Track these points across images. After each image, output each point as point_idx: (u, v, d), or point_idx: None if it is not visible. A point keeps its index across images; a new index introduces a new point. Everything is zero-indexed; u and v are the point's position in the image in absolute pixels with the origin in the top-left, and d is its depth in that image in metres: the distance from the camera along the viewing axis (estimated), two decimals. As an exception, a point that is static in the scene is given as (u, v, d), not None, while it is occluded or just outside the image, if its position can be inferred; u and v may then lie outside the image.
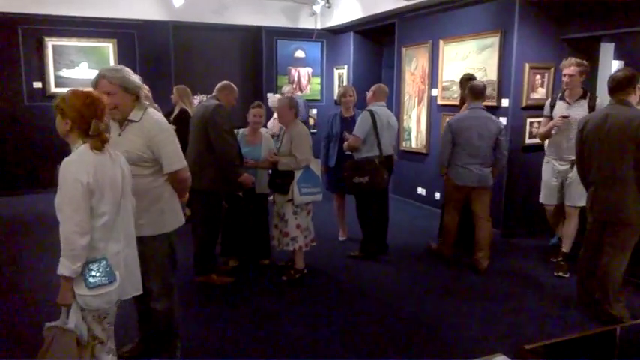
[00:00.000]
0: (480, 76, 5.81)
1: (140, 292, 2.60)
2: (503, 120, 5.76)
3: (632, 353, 1.74)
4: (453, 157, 4.78)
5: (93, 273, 2.23)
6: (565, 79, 4.53)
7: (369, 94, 5.20)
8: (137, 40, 8.22)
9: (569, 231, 4.70)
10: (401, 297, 4.30)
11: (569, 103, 4.59)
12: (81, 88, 2.34)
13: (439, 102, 6.80)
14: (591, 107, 4.45)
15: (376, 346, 3.49)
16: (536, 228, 5.72)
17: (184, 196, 3.06)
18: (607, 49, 6.08)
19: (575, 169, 4.35)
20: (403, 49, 7.53)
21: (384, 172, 4.92)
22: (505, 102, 5.76)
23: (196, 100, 6.50)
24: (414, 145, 7.45)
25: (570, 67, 4.47)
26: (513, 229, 5.88)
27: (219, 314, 3.93)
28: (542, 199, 4.92)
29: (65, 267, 2.16)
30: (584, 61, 4.55)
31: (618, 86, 3.62)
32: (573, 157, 4.34)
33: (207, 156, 4.18)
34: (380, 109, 5.03)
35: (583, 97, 4.56)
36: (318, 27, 9.24)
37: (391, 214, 5.34)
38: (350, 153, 5.08)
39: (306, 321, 3.84)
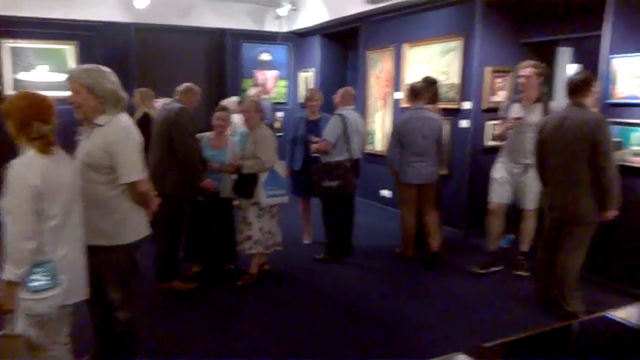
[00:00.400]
0: (443, 79, 5.90)
1: (86, 297, 2.52)
2: (465, 122, 5.87)
3: (587, 347, 1.79)
4: (401, 156, 4.92)
5: (37, 277, 2.17)
6: (521, 80, 4.53)
7: (337, 98, 5.21)
8: (98, 42, 8.02)
9: (526, 231, 4.76)
10: (364, 299, 4.32)
11: (524, 106, 4.61)
12: (31, 91, 2.29)
13: (403, 105, 6.87)
14: (545, 111, 4.46)
15: (338, 347, 3.49)
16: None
17: (149, 207, 2.91)
18: (565, 53, 6.25)
19: (529, 172, 4.45)
20: (367, 53, 7.58)
21: (353, 177, 4.95)
22: (467, 105, 5.86)
23: (158, 103, 6.37)
24: (377, 148, 7.51)
25: (526, 68, 4.49)
26: (474, 230, 5.96)
27: (183, 321, 3.86)
28: (491, 197, 4.78)
29: (10, 272, 2.10)
30: (542, 64, 4.62)
31: (576, 88, 3.73)
32: (528, 161, 4.43)
33: (170, 160, 4.12)
34: (350, 113, 5.08)
35: (539, 100, 4.55)
36: (284, 30, 9.21)
37: (355, 217, 5.36)
38: (317, 156, 5.08)
39: (271, 324, 3.81)
